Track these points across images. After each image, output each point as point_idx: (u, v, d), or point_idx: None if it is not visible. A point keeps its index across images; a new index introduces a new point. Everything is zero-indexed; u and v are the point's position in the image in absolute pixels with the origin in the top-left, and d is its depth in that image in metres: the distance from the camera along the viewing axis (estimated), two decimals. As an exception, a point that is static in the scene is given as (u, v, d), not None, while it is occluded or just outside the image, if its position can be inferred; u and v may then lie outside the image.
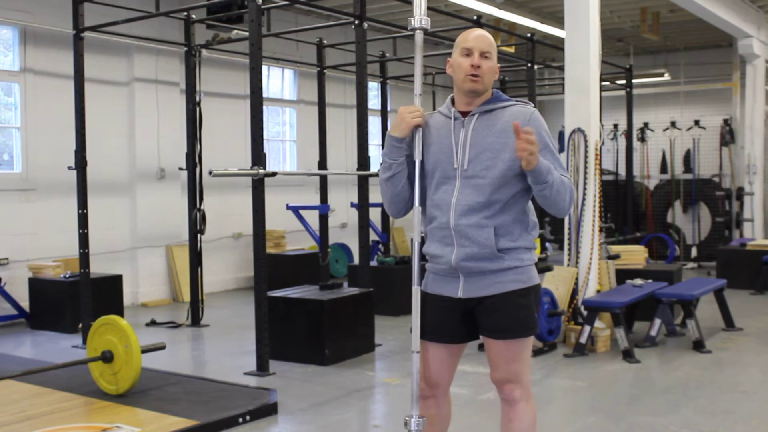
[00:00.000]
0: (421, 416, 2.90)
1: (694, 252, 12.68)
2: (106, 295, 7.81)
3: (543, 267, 7.30)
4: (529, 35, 9.44)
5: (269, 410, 4.78)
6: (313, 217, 9.54)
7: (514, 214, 2.90)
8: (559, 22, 10.44)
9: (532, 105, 3.01)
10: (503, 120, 2.89)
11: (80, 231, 7.03)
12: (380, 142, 11.14)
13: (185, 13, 7.94)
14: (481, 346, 6.48)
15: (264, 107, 6.34)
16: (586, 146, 6.89)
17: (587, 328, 6.30)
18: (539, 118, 2.93)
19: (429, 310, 2.99)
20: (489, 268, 2.88)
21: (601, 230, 7.16)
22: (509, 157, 2.84)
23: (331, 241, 10.19)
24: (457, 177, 2.89)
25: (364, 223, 6.87)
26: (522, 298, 2.91)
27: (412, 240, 2.95)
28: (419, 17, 2.94)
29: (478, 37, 2.91)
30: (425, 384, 3.02)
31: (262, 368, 5.80)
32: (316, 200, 9.86)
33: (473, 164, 2.87)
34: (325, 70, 9.84)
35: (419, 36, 2.97)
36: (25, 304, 8.07)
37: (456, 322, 2.96)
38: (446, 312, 2.96)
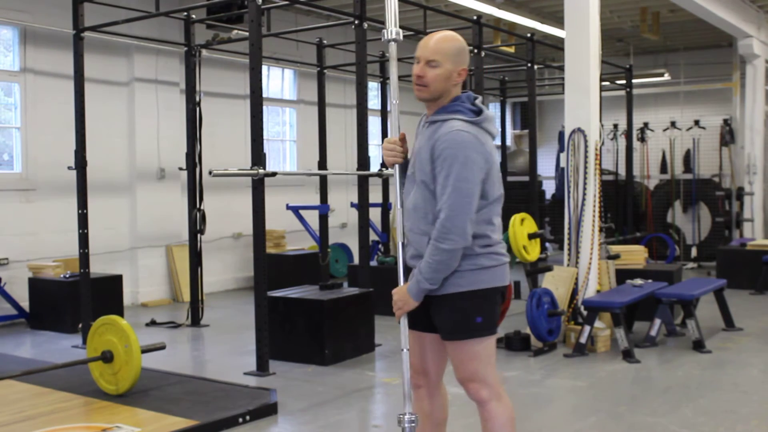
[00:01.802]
0: (414, 413, 2.97)
1: (694, 252, 12.68)
2: (106, 295, 7.81)
3: (543, 267, 7.32)
4: (529, 35, 9.44)
5: (269, 410, 4.78)
6: (313, 217, 9.54)
7: None
8: (559, 22, 10.44)
9: (470, 120, 2.92)
10: (437, 134, 2.92)
11: (80, 231, 7.03)
12: (380, 142, 11.14)
13: (185, 13, 7.93)
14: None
15: (264, 107, 6.34)
16: (586, 146, 6.89)
17: (587, 328, 6.30)
18: (452, 141, 2.84)
19: None
20: None
21: (601, 230, 7.16)
22: (431, 173, 2.91)
23: (331, 241, 10.19)
24: (410, 180, 3.05)
25: (364, 223, 6.87)
26: (459, 302, 2.95)
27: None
28: (392, 29, 3.03)
29: (423, 44, 2.98)
30: (413, 371, 3.09)
31: (262, 368, 5.80)
32: (316, 200, 9.86)
33: (416, 171, 2.99)
34: (325, 70, 9.84)
35: (393, 47, 3.06)
36: (25, 304, 8.07)
37: (423, 313, 3.03)
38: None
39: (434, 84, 2.94)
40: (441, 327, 3.01)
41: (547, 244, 13.47)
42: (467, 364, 2.99)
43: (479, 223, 2.92)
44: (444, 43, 2.95)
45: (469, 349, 2.97)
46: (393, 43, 3.05)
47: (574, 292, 6.80)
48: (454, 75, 2.96)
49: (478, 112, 2.97)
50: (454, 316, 2.96)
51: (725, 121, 12.98)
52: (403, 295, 2.96)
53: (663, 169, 13.45)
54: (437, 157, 2.87)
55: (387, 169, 3.20)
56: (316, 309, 6.19)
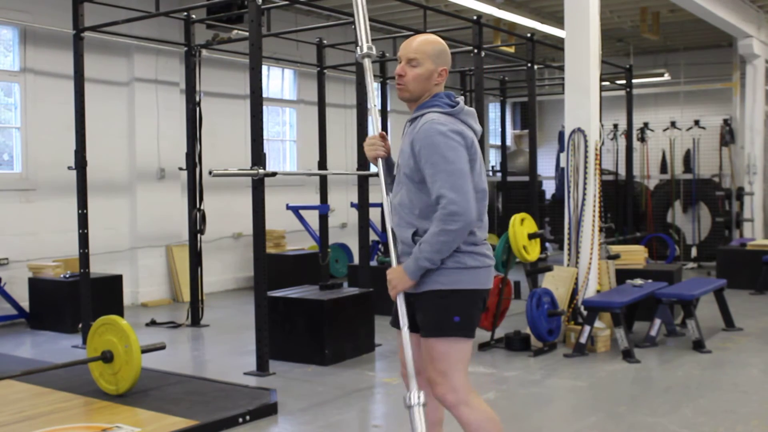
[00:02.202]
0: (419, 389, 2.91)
1: (694, 252, 12.68)
2: (106, 295, 7.81)
3: (543, 267, 7.32)
4: (529, 35, 9.43)
5: (269, 410, 4.78)
6: (313, 217, 9.54)
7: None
8: (559, 22, 10.44)
9: (444, 111, 2.97)
10: (416, 129, 2.97)
11: (80, 231, 7.03)
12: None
13: (185, 13, 7.94)
14: (480, 347, 6.49)
15: (264, 107, 6.35)
16: (586, 146, 6.89)
17: (587, 328, 6.30)
18: (427, 130, 2.90)
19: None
20: None
21: (601, 230, 7.16)
22: (414, 166, 2.94)
23: (331, 241, 10.19)
24: (396, 181, 3.08)
25: (364, 223, 6.88)
26: (440, 299, 2.94)
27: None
28: (365, 45, 3.20)
29: (406, 45, 3.05)
30: (406, 371, 3.06)
31: (262, 368, 5.80)
32: (316, 200, 9.86)
33: (400, 168, 3.03)
34: (325, 70, 9.83)
35: (367, 62, 3.22)
36: (25, 304, 8.07)
37: (411, 311, 3.03)
38: (404, 300, 3.04)
39: (414, 83, 3.00)
40: (420, 324, 3.00)
41: (547, 244, 13.47)
42: (436, 363, 2.95)
43: None
44: (425, 44, 3.02)
45: (440, 347, 2.94)
46: (367, 58, 3.22)
47: (574, 292, 6.80)
48: (435, 75, 3.01)
49: (455, 105, 3.02)
50: (432, 312, 2.95)
51: (725, 121, 12.97)
52: (399, 273, 2.95)
53: (663, 169, 13.44)
54: (418, 150, 2.90)
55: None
56: (316, 309, 6.19)
